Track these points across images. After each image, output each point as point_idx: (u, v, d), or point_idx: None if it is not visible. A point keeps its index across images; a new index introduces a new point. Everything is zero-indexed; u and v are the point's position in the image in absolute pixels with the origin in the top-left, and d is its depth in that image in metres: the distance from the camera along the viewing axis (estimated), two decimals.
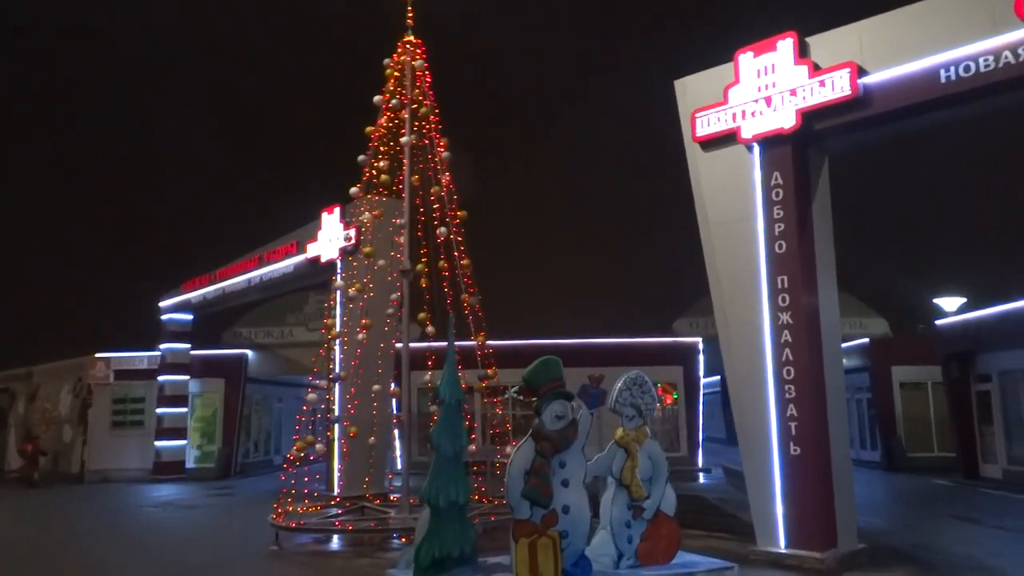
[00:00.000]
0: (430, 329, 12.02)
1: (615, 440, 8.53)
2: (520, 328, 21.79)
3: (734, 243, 9.59)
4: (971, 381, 18.69)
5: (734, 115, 9.60)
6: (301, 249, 17.95)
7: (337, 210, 16.49)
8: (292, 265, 18.51)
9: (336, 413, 14.87)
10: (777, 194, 9.22)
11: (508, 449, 12.73)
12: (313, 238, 17.33)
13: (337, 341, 15.35)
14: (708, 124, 9.86)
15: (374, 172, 11.79)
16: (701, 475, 21.15)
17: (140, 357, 25.02)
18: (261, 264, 19.68)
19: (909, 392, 22.28)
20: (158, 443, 23.61)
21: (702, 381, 23.93)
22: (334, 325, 12.03)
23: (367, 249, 11.84)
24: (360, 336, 12.58)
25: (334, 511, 12.58)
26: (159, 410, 23.82)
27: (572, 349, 20.42)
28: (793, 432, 8.78)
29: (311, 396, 12.02)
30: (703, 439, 23.47)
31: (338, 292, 13.64)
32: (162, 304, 24.57)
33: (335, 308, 13.97)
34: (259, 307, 26.48)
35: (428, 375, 12.05)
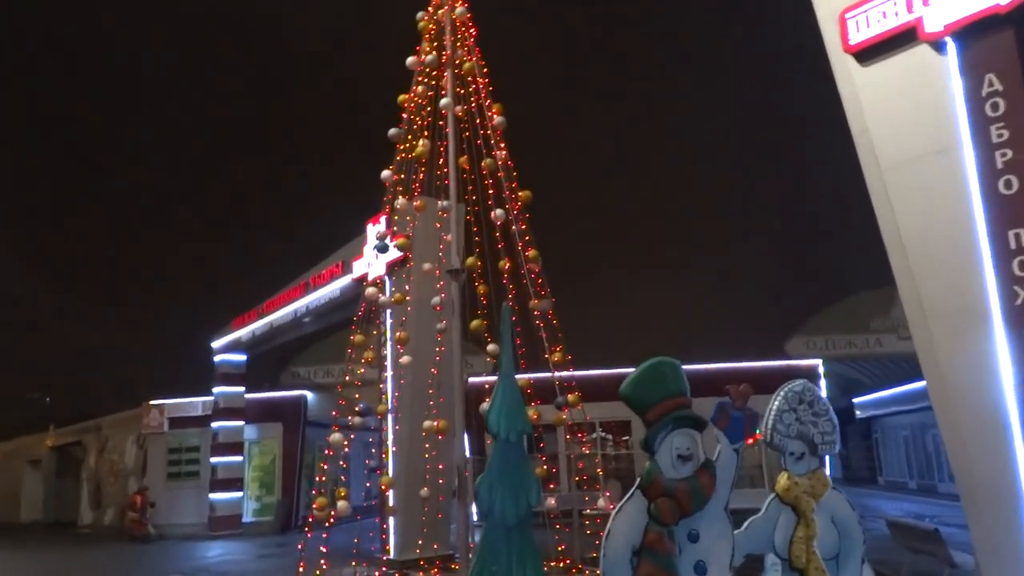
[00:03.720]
0: (492, 347, 9.17)
1: (777, 494, 5.45)
2: (599, 355, 18.74)
3: (925, 190, 6.45)
4: None
5: (909, 3, 6.57)
6: (347, 269, 15.60)
7: (383, 219, 14.02)
8: (339, 289, 16.11)
9: (389, 457, 12.30)
10: (995, 107, 6.08)
11: (600, 501, 9.73)
12: (359, 254, 14.95)
13: (389, 367, 12.81)
14: (867, 25, 6.85)
15: (409, 148, 9.17)
16: None
17: (194, 403, 23.35)
18: (307, 291, 17.40)
19: None
20: (212, 496, 21.62)
21: None
22: (365, 344, 9.40)
23: (400, 240, 9.16)
24: (403, 359, 9.90)
25: None
26: (213, 459, 21.91)
27: None
28: None
29: (334, 437, 9.37)
30: None
31: (380, 305, 10.95)
32: (214, 344, 22.69)
33: (373, 325, 11.37)
34: (316, 344, 24.35)
35: (485, 404, 9.19)
